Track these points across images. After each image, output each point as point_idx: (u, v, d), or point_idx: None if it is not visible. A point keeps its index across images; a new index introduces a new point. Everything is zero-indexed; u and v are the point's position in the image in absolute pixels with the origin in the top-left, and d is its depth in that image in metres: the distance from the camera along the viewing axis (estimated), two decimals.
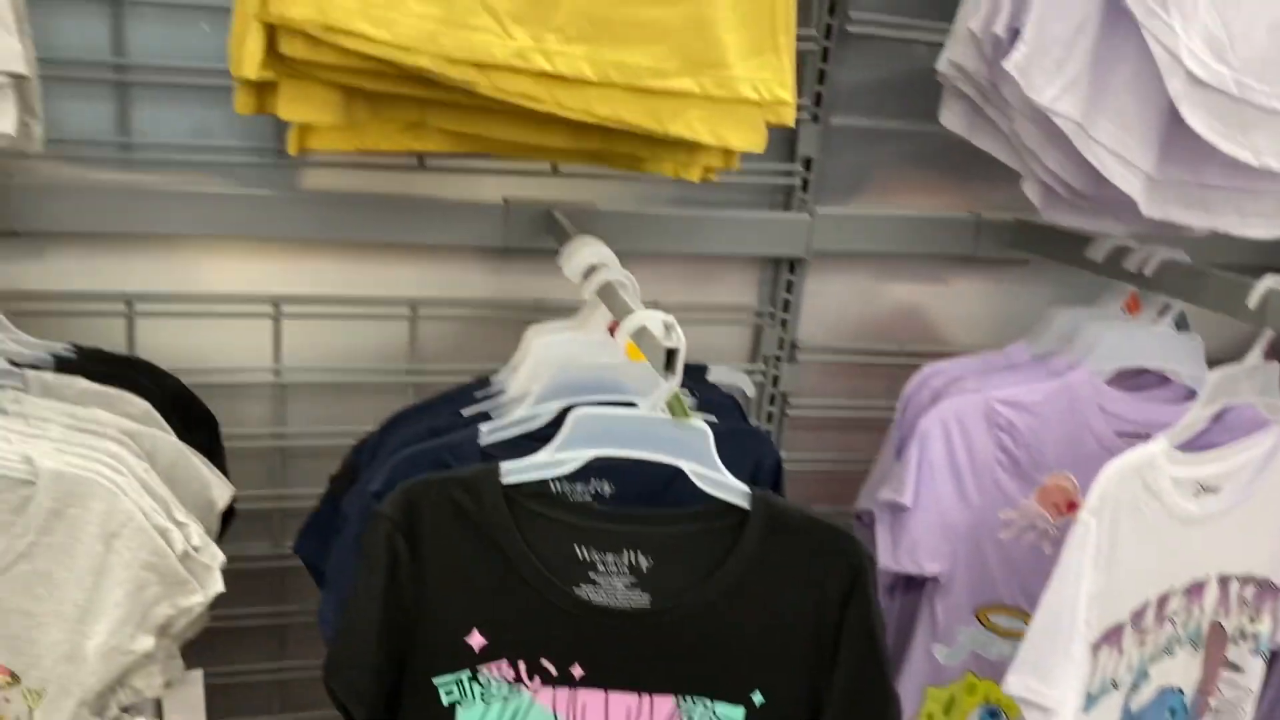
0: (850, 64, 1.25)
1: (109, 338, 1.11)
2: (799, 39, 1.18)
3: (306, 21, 0.76)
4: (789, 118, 0.91)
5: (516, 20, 0.80)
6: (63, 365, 0.96)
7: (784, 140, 1.26)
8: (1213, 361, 1.06)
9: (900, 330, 1.40)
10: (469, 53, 0.79)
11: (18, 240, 1.05)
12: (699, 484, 0.85)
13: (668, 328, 0.80)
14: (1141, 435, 1.07)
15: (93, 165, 1.07)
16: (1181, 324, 1.13)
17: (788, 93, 0.87)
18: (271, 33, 0.79)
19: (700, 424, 0.86)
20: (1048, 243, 1.25)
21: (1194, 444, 1.05)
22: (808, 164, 1.27)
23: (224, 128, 1.09)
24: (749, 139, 0.88)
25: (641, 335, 0.82)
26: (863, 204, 1.32)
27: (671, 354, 0.79)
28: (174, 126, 1.09)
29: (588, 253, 0.98)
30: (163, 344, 1.13)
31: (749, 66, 0.85)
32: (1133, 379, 1.16)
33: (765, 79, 0.86)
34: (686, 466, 0.85)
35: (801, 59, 1.22)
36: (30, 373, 0.91)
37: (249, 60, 0.78)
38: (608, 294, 0.92)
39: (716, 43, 0.84)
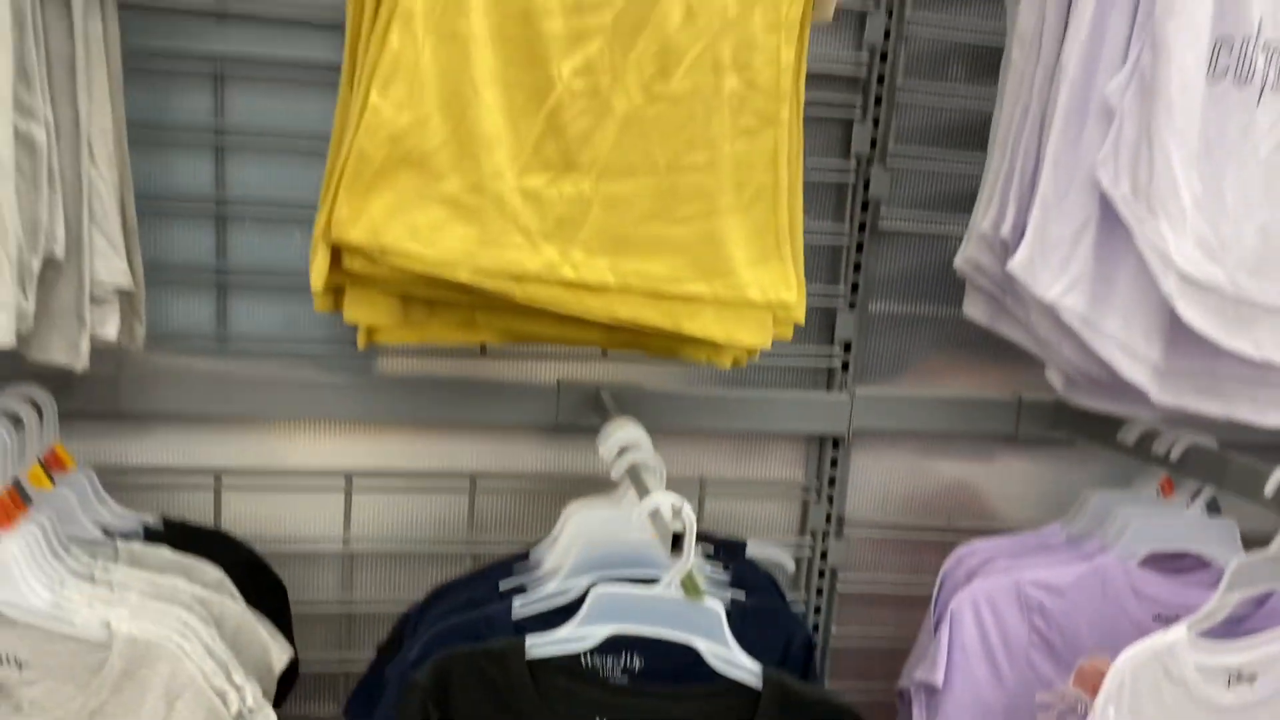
0: (884, 256, 1.33)
1: (198, 508, 1.22)
2: (834, 234, 1.29)
3: (363, 244, 0.87)
4: (799, 317, 0.98)
5: (546, 238, 0.90)
6: (151, 535, 1.07)
7: (824, 325, 1.34)
8: (1258, 544, 1.06)
9: (948, 507, 1.42)
10: (504, 267, 0.90)
11: (123, 420, 1.19)
12: (711, 662, 0.90)
13: (675, 511, 0.86)
14: (1179, 619, 1.07)
15: (193, 355, 1.21)
16: (1213, 507, 1.14)
17: (793, 295, 0.95)
18: (337, 250, 0.91)
19: (713, 603, 0.91)
20: (1086, 424, 1.28)
21: (1236, 629, 1.04)
22: (847, 347, 1.34)
23: (309, 320, 1.22)
24: (758, 337, 0.96)
25: (654, 517, 0.88)
26: (905, 385, 1.38)
27: (678, 536, 0.85)
28: (266, 320, 1.23)
29: (621, 435, 1.06)
30: (245, 515, 1.24)
31: (756, 273, 0.94)
32: (1173, 562, 1.16)
33: (772, 283, 0.94)
34: (700, 644, 0.90)
35: (836, 252, 1.32)
36: (121, 543, 1.02)
37: (316, 274, 0.91)
38: (633, 475, 0.99)
39: (726, 254, 0.93)
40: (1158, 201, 0.94)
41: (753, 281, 0.94)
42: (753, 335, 0.96)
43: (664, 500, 0.88)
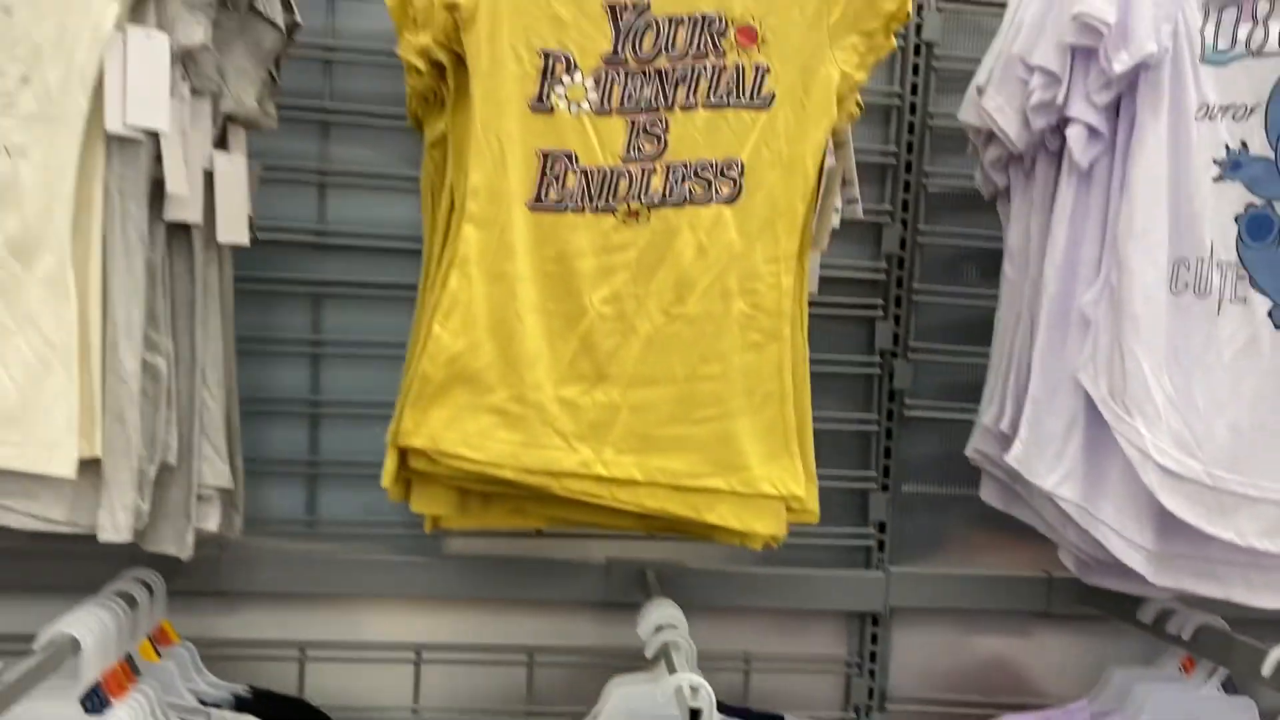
0: (913, 441, 1.44)
1: (284, 678, 1.35)
2: (863, 422, 1.40)
3: (424, 449, 1.02)
4: (811, 507, 1.09)
5: (580, 439, 1.04)
6: (240, 704, 1.20)
7: (859, 506, 1.43)
8: None
9: (989, 681, 1.47)
10: (543, 465, 1.03)
11: (222, 598, 1.34)
12: None
13: (694, 689, 0.96)
14: None
15: (285, 538, 1.36)
16: (1229, 686, 1.17)
17: (802, 489, 1.06)
18: (404, 452, 1.06)
19: None
20: (1112, 601, 1.32)
21: None
22: (881, 527, 1.43)
23: (387, 507, 1.35)
24: (772, 527, 1.07)
25: (676, 694, 0.98)
26: (940, 563, 1.45)
27: (695, 713, 0.94)
28: (349, 507, 1.38)
29: (657, 614, 1.16)
30: (326, 684, 1.37)
31: (768, 469, 1.05)
32: None
33: (782, 478, 1.05)
34: None
35: (867, 438, 1.42)
36: (214, 711, 1.15)
37: (386, 474, 1.06)
38: (664, 654, 1.09)
39: (740, 452, 1.05)
40: (1133, 402, 1.03)
41: (764, 476, 1.05)
42: (768, 525, 1.06)
43: (684, 679, 0.97)
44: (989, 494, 1.26)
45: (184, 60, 0.99)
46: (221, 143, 1.07)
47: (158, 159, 0.98)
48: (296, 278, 1.35)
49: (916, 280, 1.41)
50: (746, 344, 1.05)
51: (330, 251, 1.36)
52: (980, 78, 1.17)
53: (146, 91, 0.93)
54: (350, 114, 1.35)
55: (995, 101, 1.14)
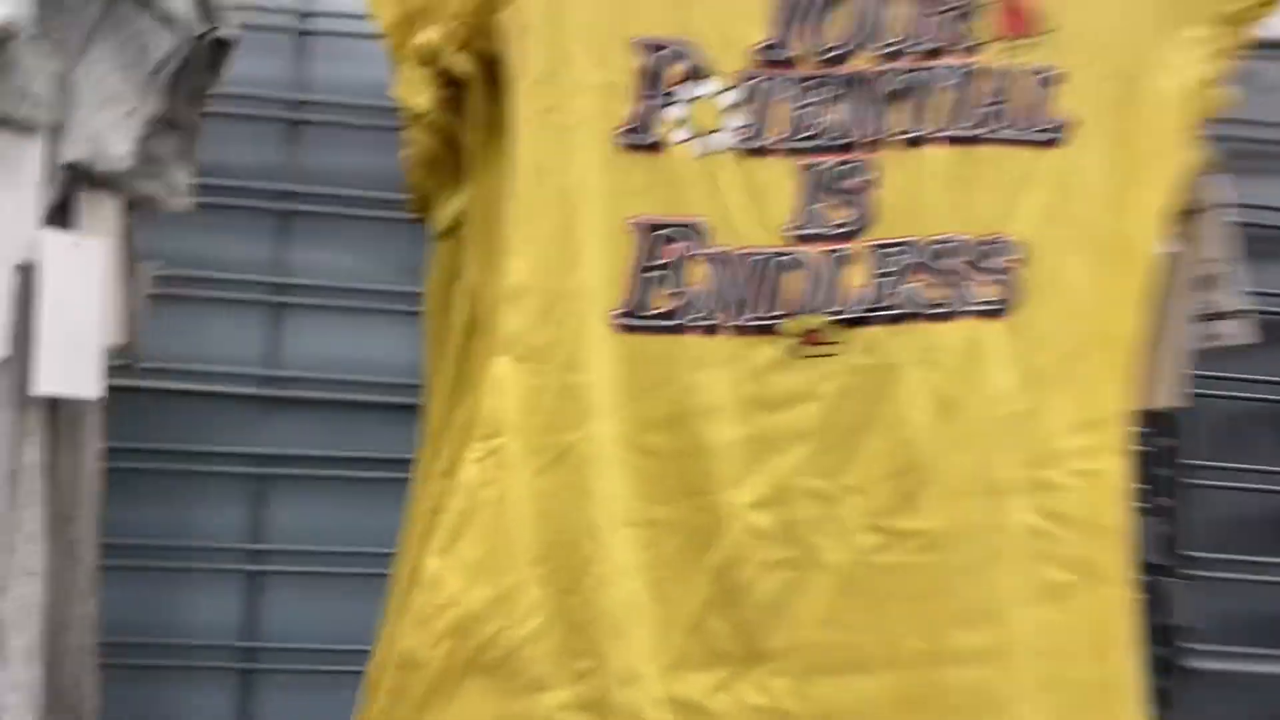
0: None
1: None
2: None
3: None
4: None
5: None
6: None
7: None
8: None
9: None
10: None
11: None
12: None
13: None
14: None
15: None
16: None
17: None
18: None
19: None
20: None
21: None
22: None
23: None
24: None
25: None
26: None
27: None
28: None
29: None
30: None
31: None
32: None
33: None
34: None
35: None
36: None
37: None
38: None
39: None
40: None
41: None
42: None
43: None
44: None
45: None
46: (60, 217, 0.61)
47: None
48: (234, 451, 0.87)
49: None
50: (1039, 589, 0.55)
51: (281, 408, 0.88)
52: None
53: None
54: (320, 198, 0.89)
55: None
